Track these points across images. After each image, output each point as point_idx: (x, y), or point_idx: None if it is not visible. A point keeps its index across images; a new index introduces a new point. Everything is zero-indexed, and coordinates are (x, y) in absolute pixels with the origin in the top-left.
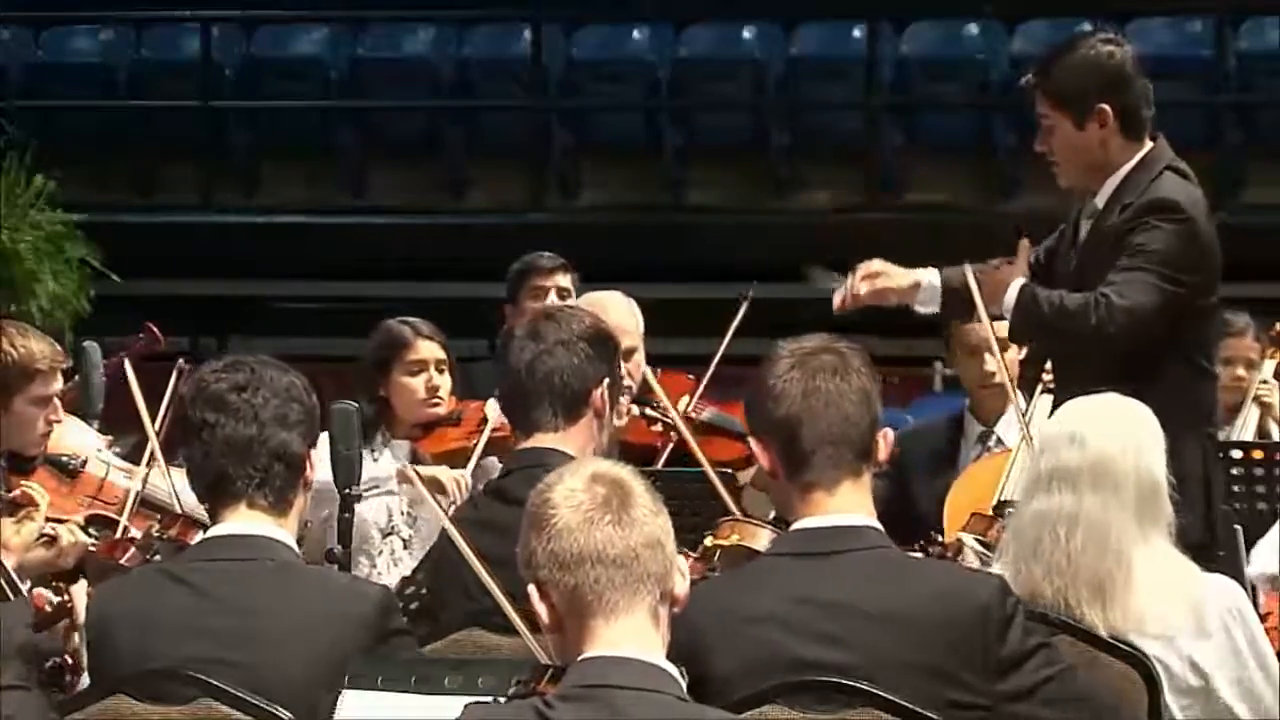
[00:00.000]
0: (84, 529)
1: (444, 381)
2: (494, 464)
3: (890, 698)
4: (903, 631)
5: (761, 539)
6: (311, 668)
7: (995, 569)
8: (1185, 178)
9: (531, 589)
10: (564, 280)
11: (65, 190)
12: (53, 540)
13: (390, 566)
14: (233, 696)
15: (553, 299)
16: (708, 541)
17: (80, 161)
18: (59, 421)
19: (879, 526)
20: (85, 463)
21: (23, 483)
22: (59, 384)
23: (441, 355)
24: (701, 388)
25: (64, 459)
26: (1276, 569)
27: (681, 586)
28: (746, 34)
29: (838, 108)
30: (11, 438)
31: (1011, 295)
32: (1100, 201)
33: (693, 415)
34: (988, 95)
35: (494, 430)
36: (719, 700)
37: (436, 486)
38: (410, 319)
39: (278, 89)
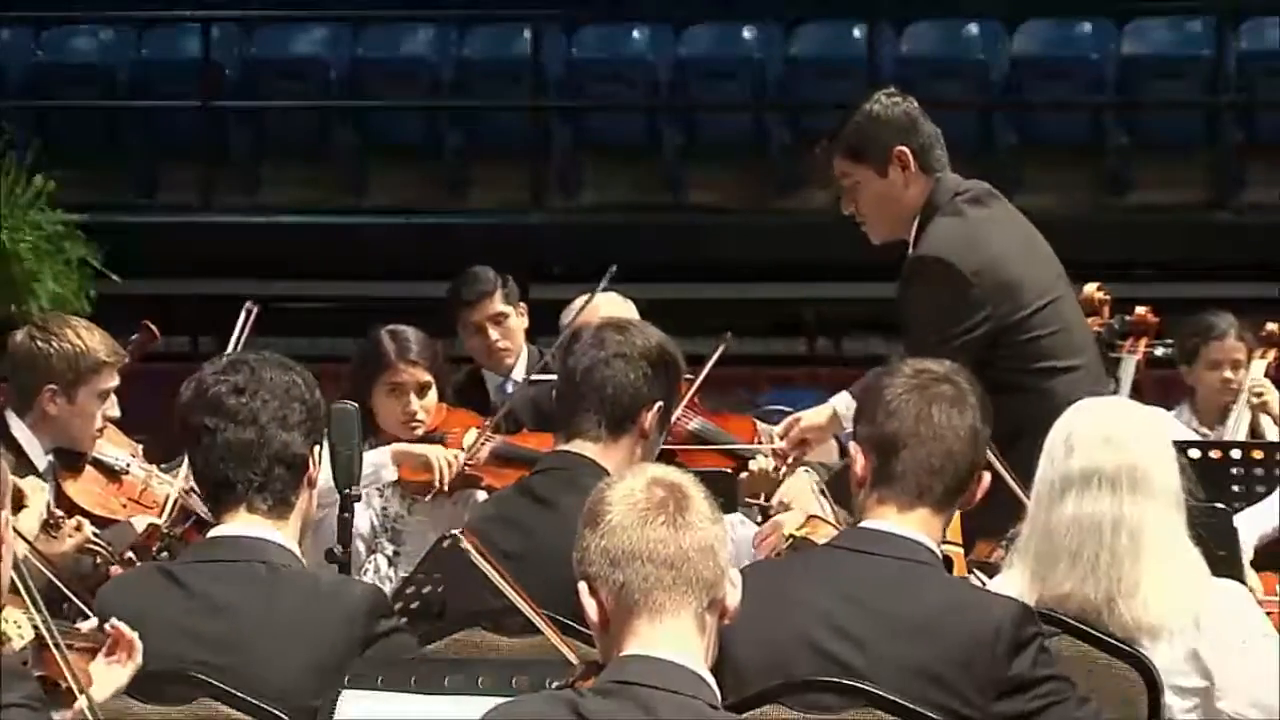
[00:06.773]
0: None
1: (425, 404)
2: (479, 495)
3: (891, 698)
4: (912, 636)
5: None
6: (296, 672)
7: (1005, 575)
8: (958, 214)
9: (582, 585)
10: (497, 307)
11: (65, 190)
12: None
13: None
14: (233, 697)
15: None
16: (797, 531)
17: (80, 161)
18: (115, 417)
19: (933, 548)
20: (129, 466)
21: None
22: (116, 379)
23: (425, 378)
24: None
25: (110, 460)
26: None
27: (733, 597)
28: (746, 34)
29: (837, 108)
30: (72, 430)
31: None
32: (911, 248)
33: (682, 423)
34: (988, 95)
35: (468, 462)
36: (734, 679)
37: (424, 465)
38: (401, 332)
39: (278, 89)
